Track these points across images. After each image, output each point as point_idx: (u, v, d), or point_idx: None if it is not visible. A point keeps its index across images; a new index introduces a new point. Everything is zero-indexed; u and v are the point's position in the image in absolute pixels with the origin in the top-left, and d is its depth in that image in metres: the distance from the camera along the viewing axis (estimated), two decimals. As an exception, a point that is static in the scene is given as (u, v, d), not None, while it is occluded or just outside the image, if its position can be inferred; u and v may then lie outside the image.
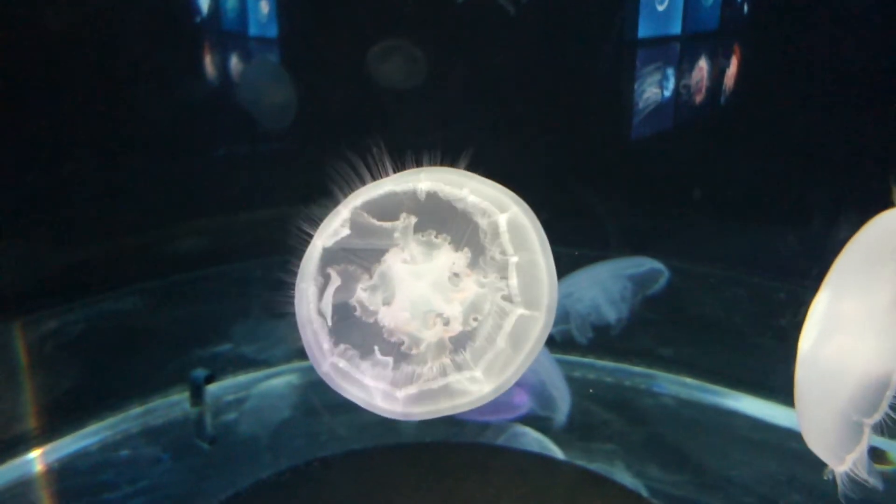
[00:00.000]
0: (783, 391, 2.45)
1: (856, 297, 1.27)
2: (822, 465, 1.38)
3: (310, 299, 1.34)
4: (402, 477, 2.14)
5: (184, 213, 2.86)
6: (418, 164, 1.33)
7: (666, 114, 2.87)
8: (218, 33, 2.86)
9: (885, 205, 1.28)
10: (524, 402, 2.51)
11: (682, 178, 2.80)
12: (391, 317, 1.34)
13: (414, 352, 1.33)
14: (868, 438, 1.28)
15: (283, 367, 2.86)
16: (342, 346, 1.35)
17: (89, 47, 2.54)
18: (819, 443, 1.35)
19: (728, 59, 2.76)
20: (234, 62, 2.90)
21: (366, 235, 1.34)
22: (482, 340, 1.33)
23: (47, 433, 2.46)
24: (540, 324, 1.31)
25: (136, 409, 2.60)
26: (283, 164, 2.98)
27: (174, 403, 2.65)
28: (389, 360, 1.34)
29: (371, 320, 1.35)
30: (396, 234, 1.34)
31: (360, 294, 1.35)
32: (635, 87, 2.80)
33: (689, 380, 2.76)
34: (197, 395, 2.65)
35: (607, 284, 2.66)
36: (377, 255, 1.36)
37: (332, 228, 1.32)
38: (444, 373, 1.33)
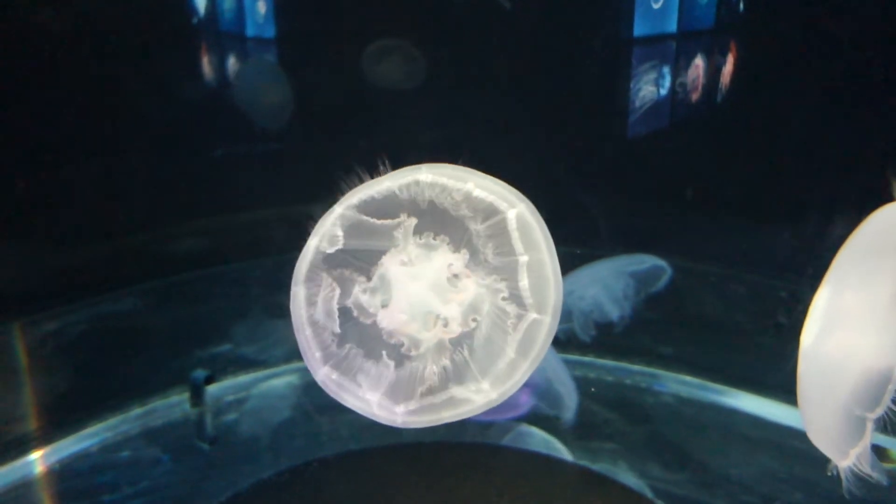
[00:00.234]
0: (784, 389, 2.46)
1: (857, 292, 1.27)
2: (824, 463, 1.37)
3: (301, 303, 1.33)
4: (402, 477, 2.14)
5: (183, 213, 2.86)
6: (416, 163, 1.33)
7: (662, 112, 2.86)
8: (215, 34, 2.86)
9: (883, 201, 1.28)
10: (527, 401, 2.50)
11: (680, 177, 2.80)
12: (390, 319, 1.33)
13: (413, 353, 1.33)
14: (871, 433, 1.28)
15: (283, 367, 2.85)
16: (337, 355, 1.33)
17: (89, 48, 2.54)
18: (822, 438, 1.35)
19: (724, 56, 2.75)
20: (232, 62, 2.90)
21: (364, 236, 1.33)
22: (487, 347, 1.29)
23: (47, 434, 2.45)
24: (547, 326, 1.29)
25: (137, 410, 2.59)
26: (283, 164, 2.97)
27: (174, 404, 2.65)
28: (391, 363, 1.33)
29: (369, 322, 1.35)
30: (396, 234, 1.33)
31: (359, 296, 1.34)
32: (631, 85, 2.80)
33: (689, 378, 2.76)
34: (197, 395, 2.65)
35: (609, 282, 2.65)
36: (375, 256, 1.35)
37: (326, 227, 1.31)
38: (447, 386, 1.30)
